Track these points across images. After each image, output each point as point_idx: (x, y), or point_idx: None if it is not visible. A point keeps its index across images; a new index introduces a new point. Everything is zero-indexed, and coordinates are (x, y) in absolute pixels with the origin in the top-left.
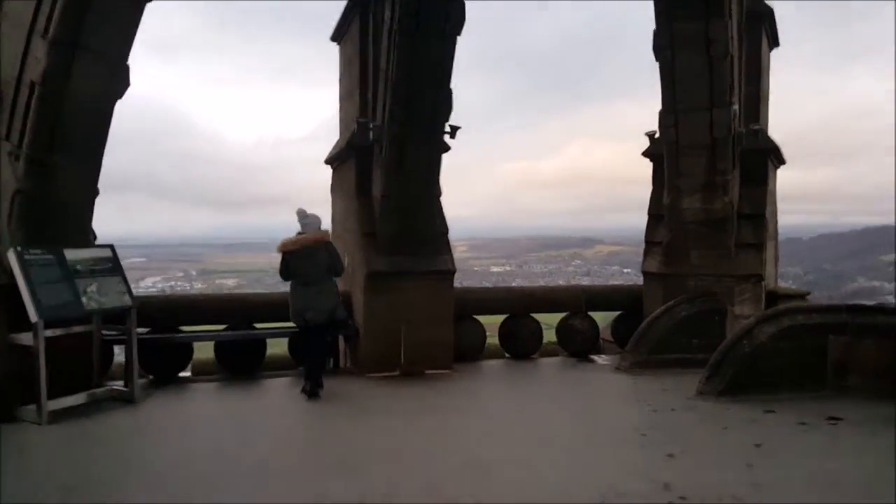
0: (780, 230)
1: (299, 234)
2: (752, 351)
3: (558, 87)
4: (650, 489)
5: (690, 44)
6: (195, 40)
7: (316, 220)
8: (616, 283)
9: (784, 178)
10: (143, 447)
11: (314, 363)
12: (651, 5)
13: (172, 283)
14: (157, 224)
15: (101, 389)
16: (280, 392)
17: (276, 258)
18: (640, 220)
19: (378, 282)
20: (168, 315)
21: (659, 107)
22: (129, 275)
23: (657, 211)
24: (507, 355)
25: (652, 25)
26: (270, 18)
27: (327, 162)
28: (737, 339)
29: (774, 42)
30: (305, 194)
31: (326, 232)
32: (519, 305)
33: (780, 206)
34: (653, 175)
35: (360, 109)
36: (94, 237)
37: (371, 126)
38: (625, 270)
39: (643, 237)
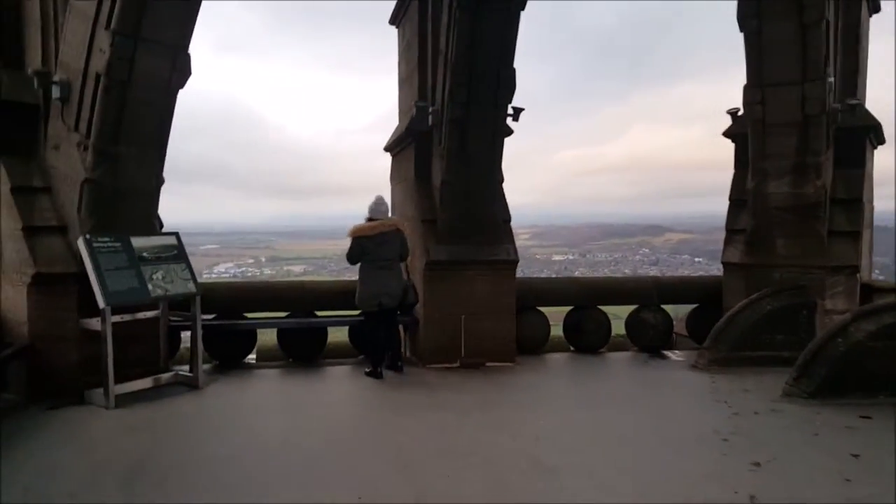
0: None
1: (369, 219)
2: (848, 350)
3: (616, 71)
4: (734, 502)
5: (780, 10)
6: (259, 39)
7: (388, 208)
8: (686, 272)
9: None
10: (203, 434)
11: (391, 346)
12: None
13: (244, 269)
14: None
15: (167, 374)
16: (340, 380)
17: (342, 245)
18: (709, 206)
19: (438, 271)
20: (233, 302)
21: (729, 84)
22: (202, 261)
23: (739, 196)
24: (571, 349)
25: (713, 4)
26: (328, 13)
27: (386, 149)
28: (830, 337)
29: (875, 7)
30: (364, 183)
31: (399, 219)
32: (585, 297)
33: (875, 190)
34: (735, 157)
35: (419, 93)
36: (161, 225)
37: (430, 110)
38: (696, 259)
39: (714, 224)
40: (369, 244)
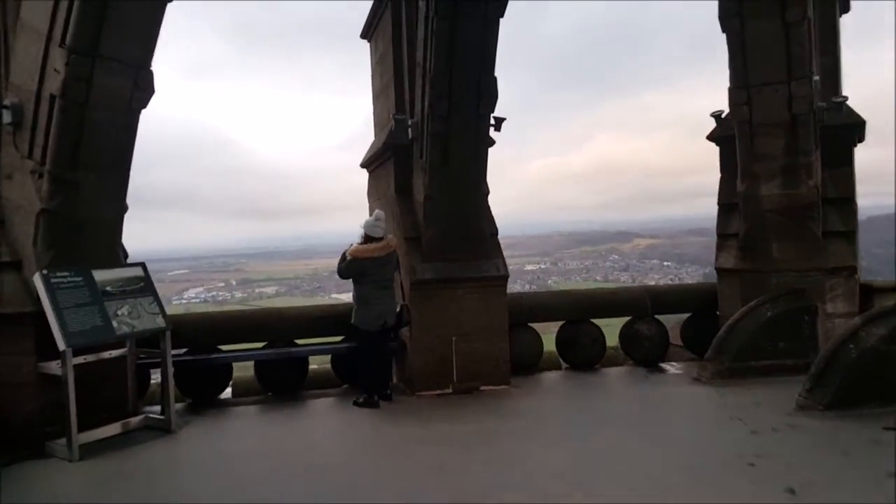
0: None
1: (367, 237)
2: (860, 356)
3: (580, 83)
4: None
5: (763, 9)
6: (227, 62)
7: (385, 226)
8: (656, 276)
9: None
10: (178, 485)
11: (383, 367)
12: None
13: (214, 293)
14: (198, 237)
15: (136, 419)
16: (325, 415)
17: (312, 264)
18: (675, 211)
19: (425, 291)
20: (205, 333)
21: (684, 94)
22: (172, 287)
23: (728, 200)
24: (565, 365)
25: (671, 15)
26: (295, 34)
27: (363, 165)
28: (841, 343)
29: (844, 7)
30: (337, 201)
31: (395, 239)
32: (578, 310)
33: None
34: (720, 160)
35: (396, 106)
36: (126, 255)
37: (409, 122)
38: (665, 264)
39: (679, 228)
40: (371, 265)
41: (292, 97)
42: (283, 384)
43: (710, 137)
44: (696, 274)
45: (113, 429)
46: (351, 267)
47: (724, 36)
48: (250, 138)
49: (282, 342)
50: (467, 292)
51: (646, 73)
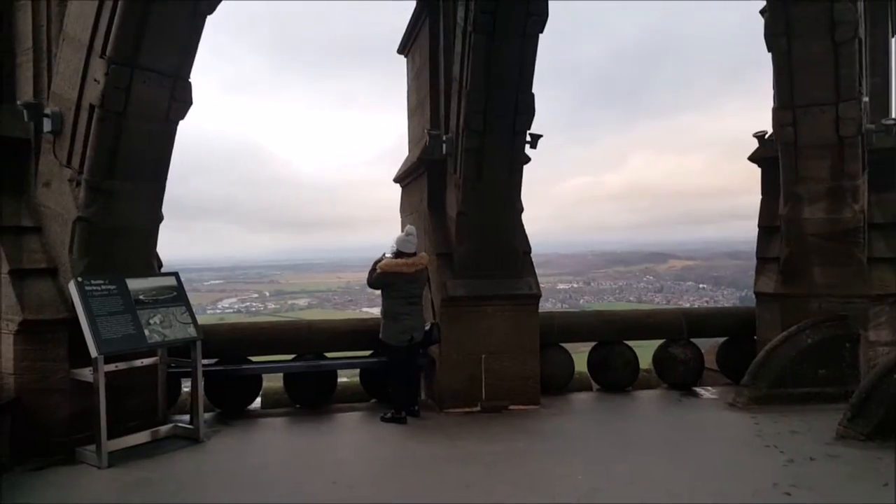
0: None
1: (399, 252)
2: None
3: (613, 102)
4: None
5: (811, 28)
6: (263, 78)
7: (416, 241)
8: (691, 299)
9: None
10: (204, 496)
11: (410, 383)
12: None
13: (248, 303)
14: (234, 248)
15: (165, 427)
16: (353, 430)
17: (345, 278)
18: (710, 233)
19: (455, 307)
20: (235, 345)
21: (722, 114)
22: (206, 297)
23: (769, 223)
24: (596, 387)
25: (706, 35)
26: (331, 51)
27: (396, 180)
28: (885, 373)
29: None
30: (368, 215)
31: (426, 256)
32: (611, 331)
33: None
34: (762, 182)
35: (432, 121)
36: (160, 264)
37: (444, 138)
38: (700, 286)
39: (715, 251)
40: (400, 281)
41: (326, 112)
42: (311, 397)
43: (752, 158)
44: (731, 297)
45: (142, 437)
46: (379, 280)
47: (766, 55)
48: (285, 151)
49: (311, 355)
50: (498, 310)
51: (681, 95)
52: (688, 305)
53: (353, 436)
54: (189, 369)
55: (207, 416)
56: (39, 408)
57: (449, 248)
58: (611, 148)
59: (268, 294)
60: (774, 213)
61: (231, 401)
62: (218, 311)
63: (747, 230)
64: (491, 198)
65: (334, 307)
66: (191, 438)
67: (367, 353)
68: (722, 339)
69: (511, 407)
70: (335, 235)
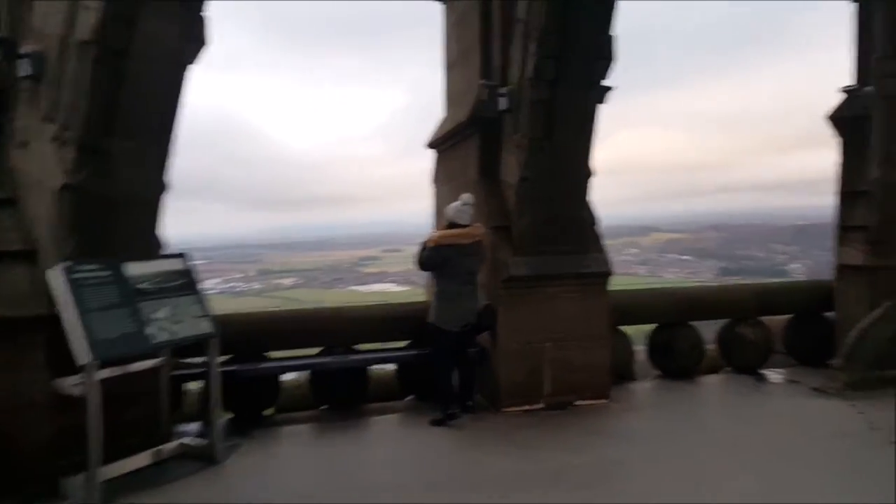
0: None
1: (452, 224)
2: None
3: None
4: None
5: None
6: (253, 55)
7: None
8: (675, 270)
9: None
10: None
11: (466, 374)
12: None
13: (231, 284)
14: (216, 227)
15: (171, 445)
16: (395, 440)
17: (332, 256)
18: (696, 205)
19: (516, 289)
20: (251, 337)
21: (703, 90)
22: None
23: (853, 188)
24: (658, 373)
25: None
26: (323, 29)
27: (431, 145)
28: None
29: None
30: (362, 193)
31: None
32: (675, 311)
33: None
34: (844, 144)
35: (482, 72)
36: (163, 245)
37: (503, 91)
38: (683, 258)
39: (699, 223)
40: (455, 254)
41: (317, 89)
42: (340, 396)
43: (833, 117)
44: (714, 268)
45: (142, 459)
46: (434, 256)
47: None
48: (274, 128)
49: (340, 347)
50: (564, 291)
51: (657, 73)
52: (671, 276)
53: (399, 447)
54: (197, 371)
55: (221, 421)
56: (13, 429)
57: (506, 220)
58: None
59: (252, 273)
60: (856, 178)
61: (247, 405)
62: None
63: (730, 202)
64: (560, 160)
65: (321, 286)
66: (205, 458)
67: (404, 343)
68: (786, 318)
69: (577, 402)
70: (323, 214)
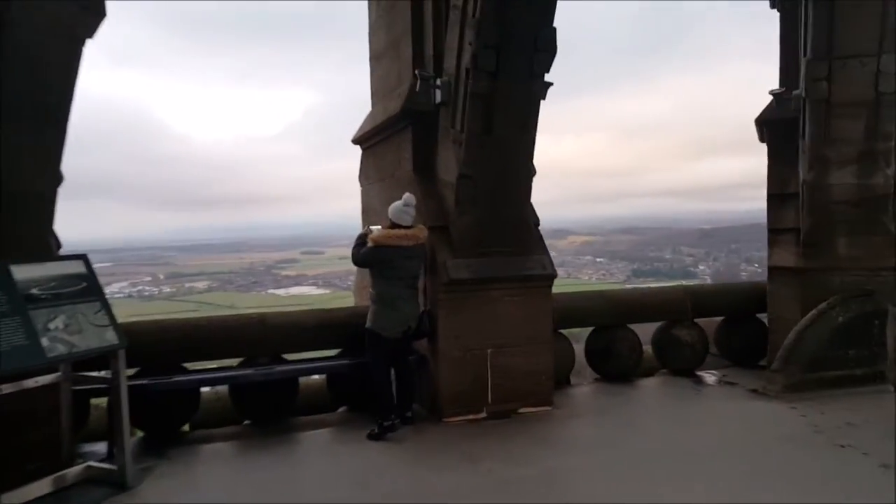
0: (746, 215)
1: (395, 225)
2: None
3: None
4: None
5: None
6: (157, 49)
7: (414, 212)
8: (590, 272)
9: (747, 165)
10: None
11: (405, 382)
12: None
13: (140, 287)
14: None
15: (75, 469)
16: (330, 457)
17: (249, 258)
18: (609, 209)
19: (457, 293)
20: (165, 348)
21: (621, 98)
22: None
23: (780, 190)
24: (595, 376)
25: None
26: (229, 26)
27: (356, 141)
28: None
29: None
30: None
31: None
32: (614, 314)
33: (746, 192)
34: (770, 147)
35: (415, 63)
36: (58, 245)
37: (438, 82)
38: (598, 260)
39: (612, 227)
40: (396, 256)
41: (223, 88)
42: (265, 410)
43: (760, 120)
44: (626, 270)
45: (41, 487)
46: (372, 255)
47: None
48: (180, 125)
49: (265, 357)
50: (507, 294)
51: (577, 78)
52: (586, 278)
53: (334, 464)
54: (104, 386)
55: (130, 442)
56: None
57: (444, 220)
58: None
59: (162, 276)
60: (785, 180)
61: (161, 421)
62: (107, 295)
63: (639, 207)
64: (502, 156)
65: (238, 290)
66: (114, 483)
67: (334, 352)
68: (718, 319)
69: (521, 410)
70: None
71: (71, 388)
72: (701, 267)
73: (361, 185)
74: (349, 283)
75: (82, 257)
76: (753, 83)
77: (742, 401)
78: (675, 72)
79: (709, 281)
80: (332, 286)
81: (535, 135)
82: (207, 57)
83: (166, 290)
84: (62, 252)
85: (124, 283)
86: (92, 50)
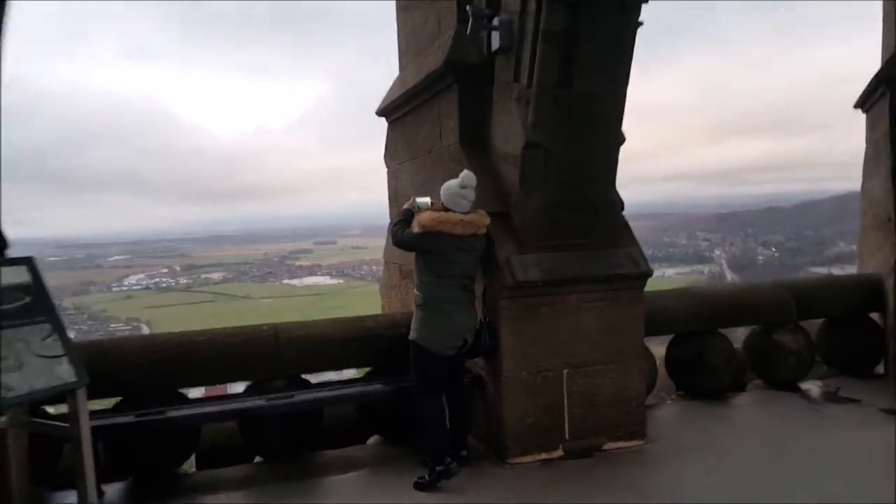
0: (762, 199)
1: (445, 209)
2: None
3: None
4: None
5: None
6: (174, 47)
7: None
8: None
9: (764, 148)
10: None
11: (457, 412)
12: None
13: (157, 279)
14: (140, 221)
15: None
16: None
17: (264, 249)
18: (623, 195)
19: (525, 299)
20: (155, 371)
21: None
22: (112, 274)
23: None
24: (679, 392)
25: None
26: (238, 21)
27: (381, 113)
28: None
29: None
30: (289, 184)
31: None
32: (705, 317)
33: (762, 175)
34: (893, 113)
35: (460, 5)
36: (4, 244)
37: (495, 22)
38: None
39: (627, 213)
40: (449, 248)
41: (239, 81)
42: (282, 444)
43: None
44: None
45: None
46: (419, 240)
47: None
48: (197, 120)
49: (281, 381)
50: (587, 300)
51: None
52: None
53: None
54: (67, 425)
55: (115, 488)
56: None
57: (503, 204)
58: None
59: (178, 268)
60: None
61: (152, 462)
62: (124, 287)
63: (656, 192)
64: (583, 118)
65: (252, 280)
66: None
67: (365, 371)
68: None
69: (607, 446)
70: (249, 206)
71: (24, 432)
72: (717, 252)
73: (388, 167)
74: (362, 272)
75: (27, 261)
76: (771, 65)
77: (880, 426)
78: (693, 55)
79: (725, 266)
80: (346, 276)
81: (626, 90)
82: (217, 53)
83: (183, 281)
84: (8, 254)
85: (141, 275)
86: (110, 47)
